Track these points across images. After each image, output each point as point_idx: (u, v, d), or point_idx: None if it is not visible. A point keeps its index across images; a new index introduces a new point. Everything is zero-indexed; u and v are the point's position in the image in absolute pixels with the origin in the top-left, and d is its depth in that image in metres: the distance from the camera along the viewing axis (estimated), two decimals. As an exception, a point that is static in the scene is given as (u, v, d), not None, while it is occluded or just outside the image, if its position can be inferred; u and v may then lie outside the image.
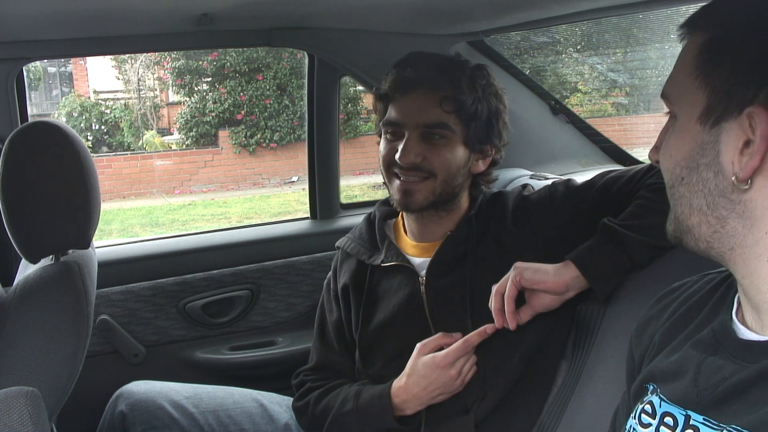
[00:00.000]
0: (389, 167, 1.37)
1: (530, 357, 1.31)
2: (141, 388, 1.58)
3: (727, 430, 0.69)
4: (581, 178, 1.46)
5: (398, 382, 1.32)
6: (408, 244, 1.44)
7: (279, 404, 1.64)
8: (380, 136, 1.42)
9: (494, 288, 1.26)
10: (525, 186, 1.47)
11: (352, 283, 1.45)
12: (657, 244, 1.16)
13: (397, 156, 1.33)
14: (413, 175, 1.34)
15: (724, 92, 0.71)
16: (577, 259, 1.23)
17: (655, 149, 0.82)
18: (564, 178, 1.58)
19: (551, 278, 1.22)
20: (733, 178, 0.69)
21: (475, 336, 1.28)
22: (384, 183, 1.42)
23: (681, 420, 0.75)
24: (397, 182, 1.36)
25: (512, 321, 1.23)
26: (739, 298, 0.76)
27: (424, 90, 1.33)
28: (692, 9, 0.79)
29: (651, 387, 0.83)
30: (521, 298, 1.26)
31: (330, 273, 1.54)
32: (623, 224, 1.21)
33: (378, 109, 1.42)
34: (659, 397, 0.80)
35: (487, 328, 1.27)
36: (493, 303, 1.25)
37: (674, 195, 0.77)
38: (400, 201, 1.37)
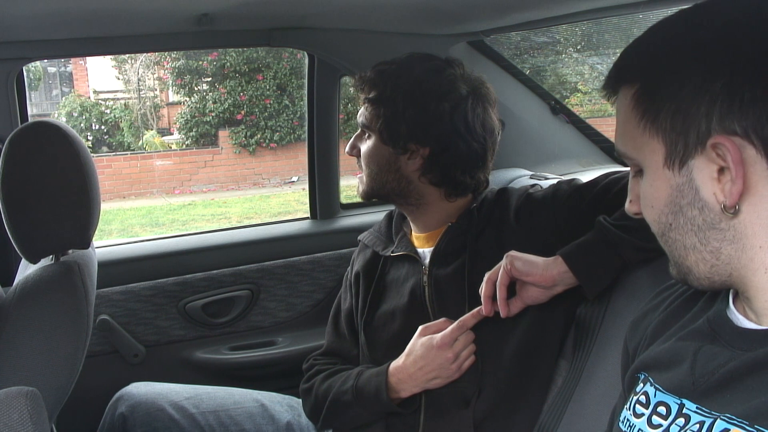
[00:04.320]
0: None
1: (524, 352, 1.32)
2: (141, 389, 1.58)
3: (720, 419, 0.69)
4: (581, 178, 1.46)
5: (396, 363, 1.34)
6: (414, 235, 1.49)
7: (280, 404, 1.64)
8: None
9: (486, 275, 1.28)
10: (534, 185, 1.48)
11: (364, 271, 1.50)
12: (648, 246, 1.16)
13: None
14: (359, 168, 1.48)
15: (677, 132, 0.71)
16: (566, 254, 1.23)
17: (631, 203, 0.82)
18: (566, 177, 1.58)
19: (540, 271, 1.23)
20: (721, 207, 0.70)
21: (469, 317, 1.29)
22: None
23: (674, 409, 0.75)
24: None
25: (503, 308, 1.25)
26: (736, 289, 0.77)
27: (362, 93, 1.46)
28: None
29: (642, 376, 0.83)
30: (513, 290, 1.27)
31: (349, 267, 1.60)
32: (617, 224, 1.21)
33: None
34: (654, 387, 0.80)
35: (481, 310, 1.28)
36: (483, 289, 1.27)
37: (667, 242, 0.77)
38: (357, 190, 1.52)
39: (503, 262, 1.25)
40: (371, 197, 1.49)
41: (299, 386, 1.52)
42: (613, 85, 0.78)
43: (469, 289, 1.35)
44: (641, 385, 0.83)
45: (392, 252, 1.47)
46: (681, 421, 0.73)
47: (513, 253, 1.26)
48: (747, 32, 0.69)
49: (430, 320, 1.36)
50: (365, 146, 1.45)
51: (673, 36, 0.74)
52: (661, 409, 0.77)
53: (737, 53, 0.68)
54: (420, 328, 1.34)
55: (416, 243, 1.47)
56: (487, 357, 1.32)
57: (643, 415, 0.79)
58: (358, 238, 1.60)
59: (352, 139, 1.50)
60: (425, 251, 1.44)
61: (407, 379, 1.32)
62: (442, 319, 1.33)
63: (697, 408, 0.72)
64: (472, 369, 1.31)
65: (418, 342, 1.32)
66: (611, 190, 1.30)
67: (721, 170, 0.69)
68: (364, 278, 1.50)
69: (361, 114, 1.46)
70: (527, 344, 1.32)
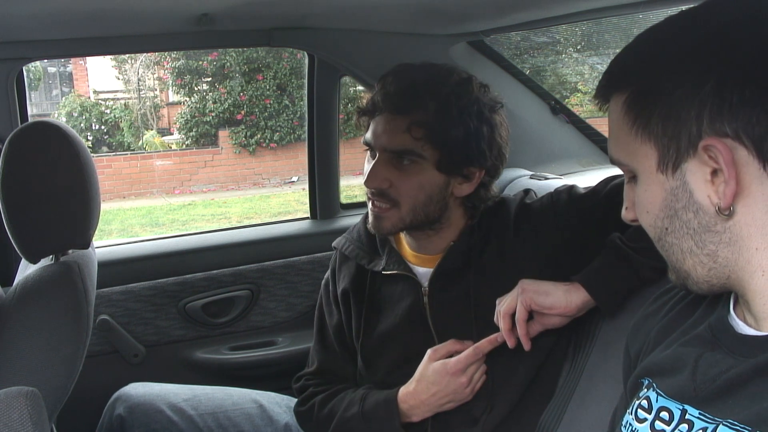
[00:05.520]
0: (369, 193, 1.33)
1: (537, 367, 1.31)
2: (139, 390, 1.57)
3: (723, 424, 0.69)
4: (581, 178, 1.46)
5: (406, 388, 1.31)
6: (408, 251, 1.41)
7: (279, 404, 1.64)
8: None
9: (501, 308, 1.24)
10: (527, 192, 1.43)
11: (353, 289, 1.42)
12: (665, 267, 1.14)
13: (364, 178, 1.30)
14: (381, 202, 1.30)
15: (668, 137, 0.72)
16: (586, 282, 1.21)
17: (627, 210, 0.82)
18: (565, 180, 1.57)
19: (563, 303, 1.21)
20: (716, 209, 0.70)
21: (485, 343, 1.26)
22: None
23: (677, 414, 0.75)
24: (370, 205, 1.33)
25: (527, 343, 1.22)
26: (735, 294, 0.77)
27: (392, 114, 1.28)
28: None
29: (646, 382, 0.83)
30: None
31: (328, 273, 1.52)
32: (633, 246, 1.18)
33: (363, 124, 1.37)
34: (656, 392, 0.80)
35: (498, 337, 1.25)
36: (502, 324, 1.23)
37: (664, 246, 0.77)
38: (372, 224, 1.35)
39: (519, 297, 1.21)
40: (402, 231, 1.35)
41: (295, 407, 1.49)
42: (604, 93, 0.79)
43: (476, 310, 1.31)
44: (645, 390, 0.83)
45: (384, 270, 1.38)
46: (684, 426, 0.73)
47: (527, 285, 1.22)
48: (734, 36, 0.70)
49: (433, 342, 1.32)
50: (413, 177, 1.27)
51: (662, 42, 0.75)
52: (664, 415, 0.77)
53: (725, 57, 0.69)
54: (429, 352, 1.30)
55: (411, 260, 1.39)
56: (500, 377, 1.30)
57: (645, 420, 0.79)
58: (333, 244, 1.50)
59: (374, 167, 1.28)
60: (421, 270, 1.37)
61: (420, 405, 1.29)
62: (450, 341, 1.30)
63: (700, 414, 0.72)
64: (482, 388, 1.29)
65: (429, 367, 1.28)
66: (614, 198, 1.24)
67: (714, 172, 0.69)
68: (354, 297, 1.41)
69: (394, 138, 1.26)
70: (539, 358, 1.30)
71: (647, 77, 0.74)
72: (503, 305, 1.24)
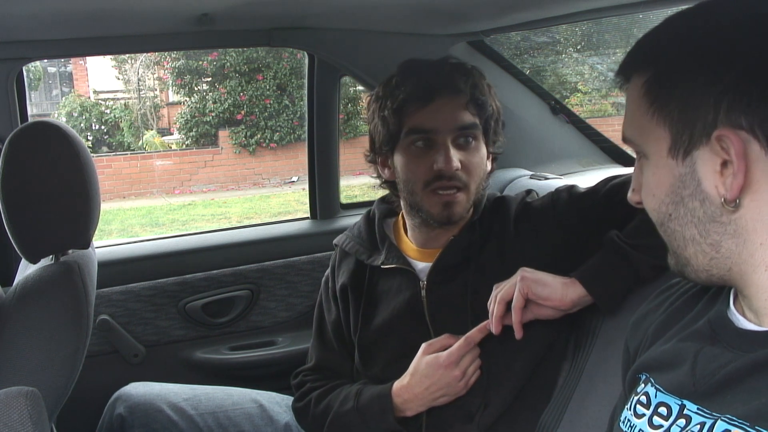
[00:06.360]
0: (428, 184, 1.31)
1: (534, 364, 1.31)
2: (139, 390, 1.57)
3: (721, 419, 0.69)
4: (581, 178, 1.46)
5: (400, 382, 1.31)
6: (409, 246, 1.42)
7: (279, 404, 1.64)
8: (382, 157, 1.40)
9: (497, 294, 1.25)
10: (529, 192, 1.45)
11: (351, 284, 1.44)
12: (664, 264, 1.14)
13: (437, 165, 1.28)
14: (449, 188, 1.30)
15: (684, 122, 0.71)
16: (583, 278, 1.22)
17: (634, 192, 0.82)
18: (565, 180, 1.57)
19: (558, 296, 1.21)
20: (722, 201, 0.70)
21: (476, 332, 1.27)
22: (404, 202, 1.39)
23: (675, 409, 0.75)
24: (434, 197, 1.31)
25: (519, 331, 1.23)
26: (735, 290, 0.77)
27: (450, 95, 1.31)
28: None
29: (643, 377, 0.83)
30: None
31: (328, 270, 1.53)
32: (631, 243, 1.19)
33: (388, 123, 1.34)
34: (655, 387, 0.80)
35: (488, 325, 1.25)
36: (495, 309, 1.24)
37: (666, 231, 0.77)
38: (440, 215, 1.32)
39: (518, 285, 1.22)
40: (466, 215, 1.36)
41: (293, 403, 1.50)
42: (625, 72, 0.78)
43: (474, 305, 1.31)
44: (642, 385, 0.83)
45: (383, 264, 1.39)
46: (682, 421, 0.73)
47: (526, 274, 1.23)
48: (763, 29, 0.69)
49: (429, 336, 1.33)
50: (476, 153, 1.33)
51: (689, 27, 0.74)
52: (662, 410, 0.77)
53: (751, 49, 0.68)
54: (423, 345, 1.30)
55: (411, 254, 1.41)
56: (495, 371, 1.30)
57: (644, 415, 0.79)
58: (334, 242, 1.52)
59: (446, 152, 1.28)
60: (421, 264, 1.38)
61: (413, 399, 1.29)
62: (444, 335, 1.30)
63: (698, 409, 0.72)
64: (477, 383, 1.29)
65: (422, 361, 1.29)
66: (614, 197, 1.27)
67: (725, 164, 0.69)
68: (353, 292, 1.43)
69: (459, 115, 1.30)
70: (536, 355, 1.31)
71: (670, 61, 0.73)
72: (501, 291, 1.25)
